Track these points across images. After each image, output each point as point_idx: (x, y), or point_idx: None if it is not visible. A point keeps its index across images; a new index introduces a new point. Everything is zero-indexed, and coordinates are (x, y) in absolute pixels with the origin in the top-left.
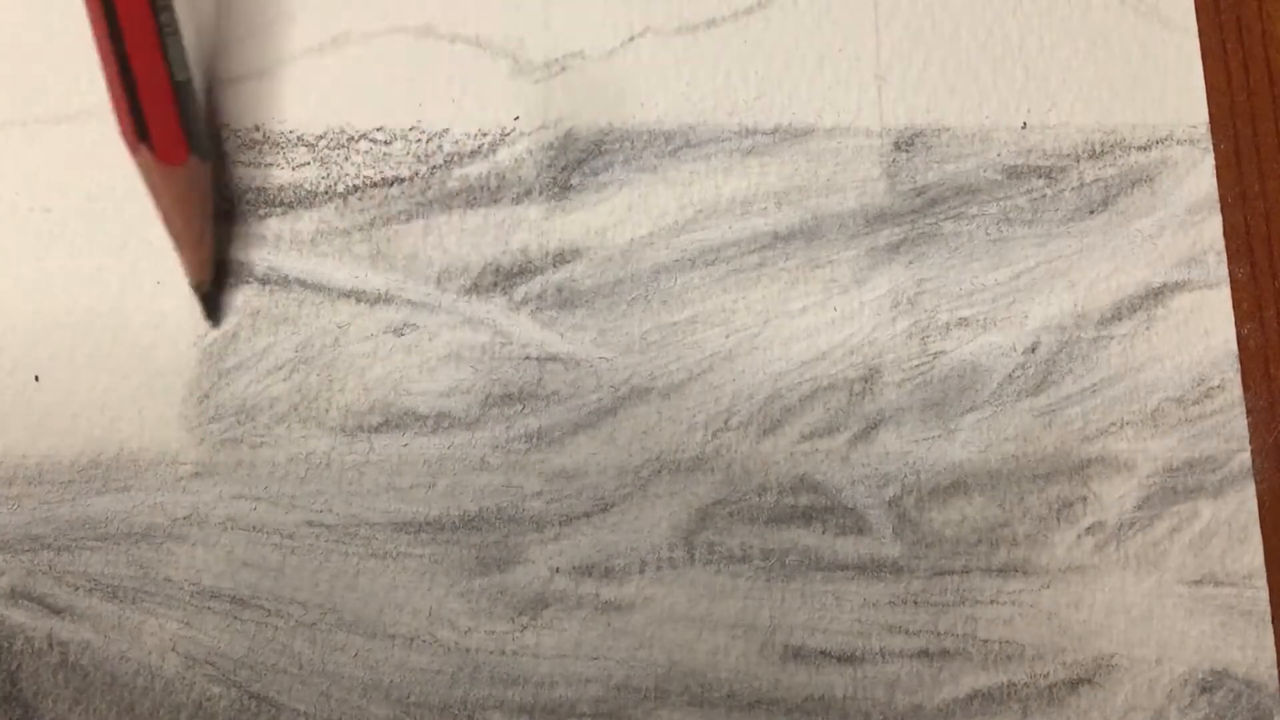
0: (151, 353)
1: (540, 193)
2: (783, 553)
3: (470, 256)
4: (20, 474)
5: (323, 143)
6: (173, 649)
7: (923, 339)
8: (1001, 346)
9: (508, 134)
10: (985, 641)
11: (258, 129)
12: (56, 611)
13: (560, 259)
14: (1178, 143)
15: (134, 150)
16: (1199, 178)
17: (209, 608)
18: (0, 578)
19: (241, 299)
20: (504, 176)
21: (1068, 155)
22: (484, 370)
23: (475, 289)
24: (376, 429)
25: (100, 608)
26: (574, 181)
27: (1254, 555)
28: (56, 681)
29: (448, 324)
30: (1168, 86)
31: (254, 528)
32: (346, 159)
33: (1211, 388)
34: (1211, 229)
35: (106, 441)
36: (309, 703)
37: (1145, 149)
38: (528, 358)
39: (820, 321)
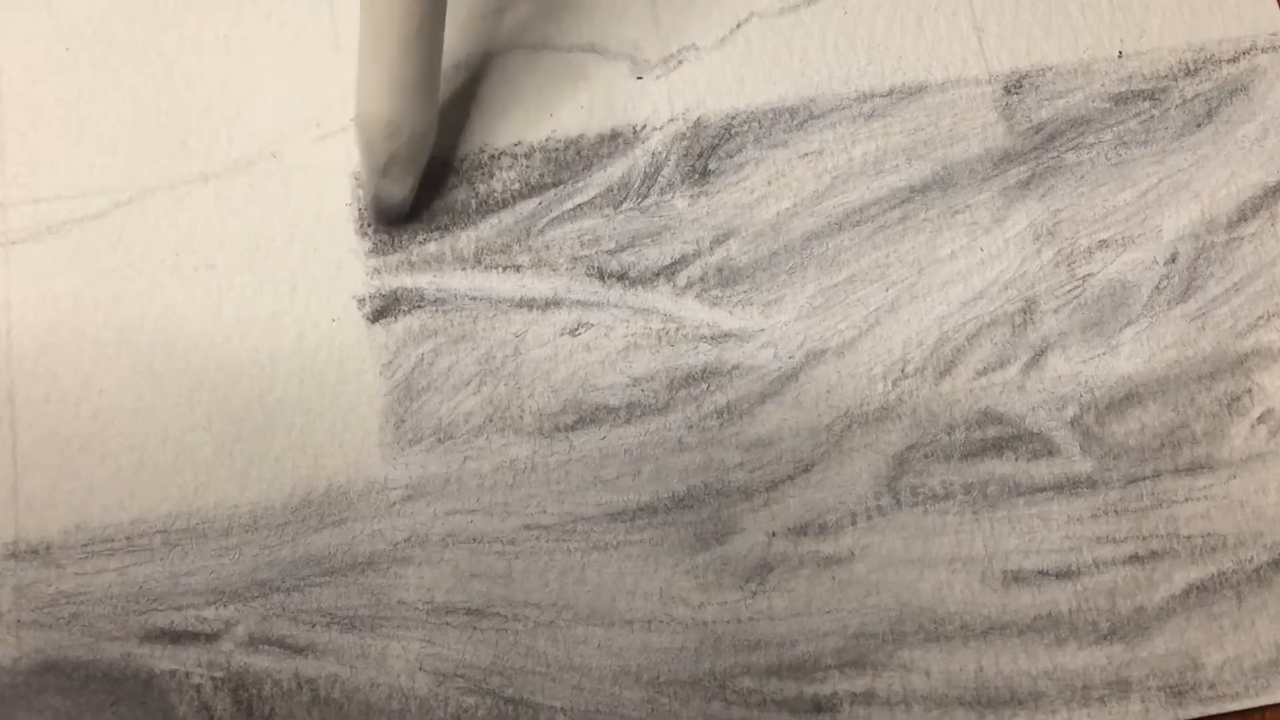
0: (340, 388)
1: (682, 181)
2: (983, 484)
3: (626, 251)
4: (235, 524)
5: (465, 164)
6: (420, 668)
7: (1069, 265)
8: (1143, 261)
9: (639, 131)
10: (1188, 538)
11: None
12: (298, 650)
13: (715, 240)
14: (1262, 51)
15: None
16: None
17: (447, 623)
18: (236, 627)
19: (418, 323)
20: (644, 171)
21: (1165, 76)
22: (663, 356)
23: (639, 281)
24: (572, 427)
25: (341, 640)
26: (712, 166)
27: None
28: (312, 719)
29: (620, 318)
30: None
31: (474, 539)
32: (491, 176)
33: None
34: None
35: (314, 479)
36: (564, 698)
37: (1234, 61)
38: (703, 338)
39: (970, 263)
